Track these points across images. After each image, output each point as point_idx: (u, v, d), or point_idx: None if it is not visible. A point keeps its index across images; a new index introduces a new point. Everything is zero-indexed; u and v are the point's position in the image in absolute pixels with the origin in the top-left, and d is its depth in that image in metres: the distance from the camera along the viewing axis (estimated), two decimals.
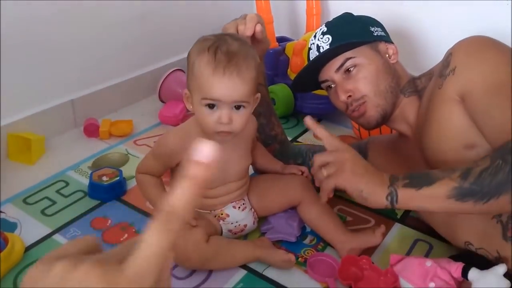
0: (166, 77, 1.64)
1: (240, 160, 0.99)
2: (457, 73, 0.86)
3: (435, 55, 1.04)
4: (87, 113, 1.53)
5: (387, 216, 1.13)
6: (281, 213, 1.08)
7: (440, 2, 1.51)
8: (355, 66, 0.98)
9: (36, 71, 1.40)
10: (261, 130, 1.12)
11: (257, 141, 1.09)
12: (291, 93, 1.55)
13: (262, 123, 1.12)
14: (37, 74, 1.40)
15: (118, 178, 1.20)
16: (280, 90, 1.54)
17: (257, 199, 1.06)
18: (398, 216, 1.14)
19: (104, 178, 1.20)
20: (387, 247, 1.04)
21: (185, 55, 0.91)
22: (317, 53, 1.02)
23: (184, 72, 1.62)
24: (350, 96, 0.98)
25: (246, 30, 0.97)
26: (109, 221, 1.11)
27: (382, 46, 1.01)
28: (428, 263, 0.84)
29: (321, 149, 1.16)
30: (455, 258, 0.86)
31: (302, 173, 1.08)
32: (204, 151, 0.31)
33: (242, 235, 1.05)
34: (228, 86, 0.84)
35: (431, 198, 0.76)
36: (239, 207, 1.02)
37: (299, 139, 1.51)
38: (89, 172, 1.26)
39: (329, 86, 1.04)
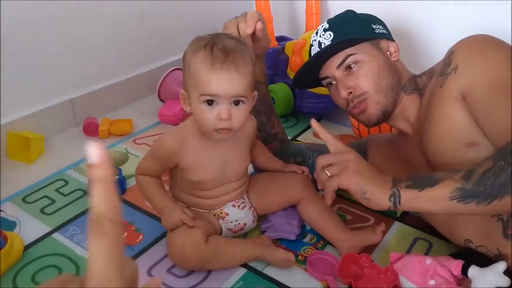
0: (166, 76, 1.64)
1: (239, 161, 0.99)
2: (459, 71, 0.86)
3: (435, 54, 1.05)
4: (87, 112, 1.53)
5: (387, 214, 1.13)
6: (281, 212, 1.08)
7: (440, 2, 1.51)
8: (356, 62, 0.98)
9: (36, 70, 1.40)
10: (261, 128, 1.12)
11: (257, 140, 1.09)
12: (290, 92, 1.55)
13: (262, 121, 1.12)
14: (37, 73, 1.40)
15: (117, 177, 1.20)
16: (280, 89, 1.54)
17: (256, 198, 1.06)
18: (398, 215, 1.14)
19: None
20: (387, 245, 1.04)
21: None
22: (319, 50, 1.02)
23: None
24: (351, 92, 0.98)
25: (247, 27, 0.97)
26: None
27: (383, 43, 1.01)
28: (428, 260, 0.84)
29: (321, 147, 1.17)
30: (455, 255, 0.86)
31: (303, 172, 1.08)
32: (93, 152, 0.32)
33: (242, 234, 1.05)
34: (226, 80, 0.84)
35: (434, 199, 0.75)
36: (238, 206, 1.01)
37: (298, 138, 1.51)
38: None
39: (330, 83, 1.04)
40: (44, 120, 1.43)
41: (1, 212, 1.13)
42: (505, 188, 0.71)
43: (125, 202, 1.18)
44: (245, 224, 1.03)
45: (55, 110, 1.47)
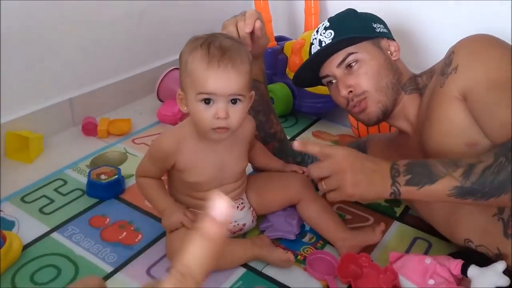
0: (165, 76, 1.64)
1: (236, 162, 0.99)
2: (459, 71, 0.86)
3: (436, 54, 1.04)
4: (86, 111, 1.53)
5: (386, 214, 1.13)
6: (280, 211, 1.08)
7: (441, 1, 1.51)
8: (356, 61, 0.98)
9: (35, 70, 1.39)
10: (260, 128, 1.12)
11: (256, 140, 1.09)
12: (289, 92, 1.55)
13: (261, 120, 1.12)
14: (36, 73, 1.40)
15: (116, 176, 1.20)
16: (279, 89, 1.54)
17: (256, 198, 1.06)
18: (397, 214, 1.14)
19: (103, 177, 1.19)
20: (386, 245, 1.04)
21: None
22: (319, 48, 1.02)
23: None
24: (351, 91, 0.98)
25: (246, 26, 0.97)
26: (108, 220, 1.11)
27: (384, 42, 1.01)
28: (428, 260, 0.84)
29: None
30: (455, 255, 0.86)
31: (303, 172, 1.08)
32: (220, 208, 0.31)
33: (241, 234, 1.05)
34: (223, 78, 0.83)
35: (432, 195, 0.77)
36: (237, 207, 1.01)
37: (298, 138, 1.51)
38: (87, 170, 1.25)
39: (330, 82, 1.04)
40: (43, 120, 1.43)
41: (0, 212, 1.12)
42: (503, 188, 0.71)
43: (124, 201, 1.17)
44: (244, 225, 1.03)
45: (54, 110, 1.47)
